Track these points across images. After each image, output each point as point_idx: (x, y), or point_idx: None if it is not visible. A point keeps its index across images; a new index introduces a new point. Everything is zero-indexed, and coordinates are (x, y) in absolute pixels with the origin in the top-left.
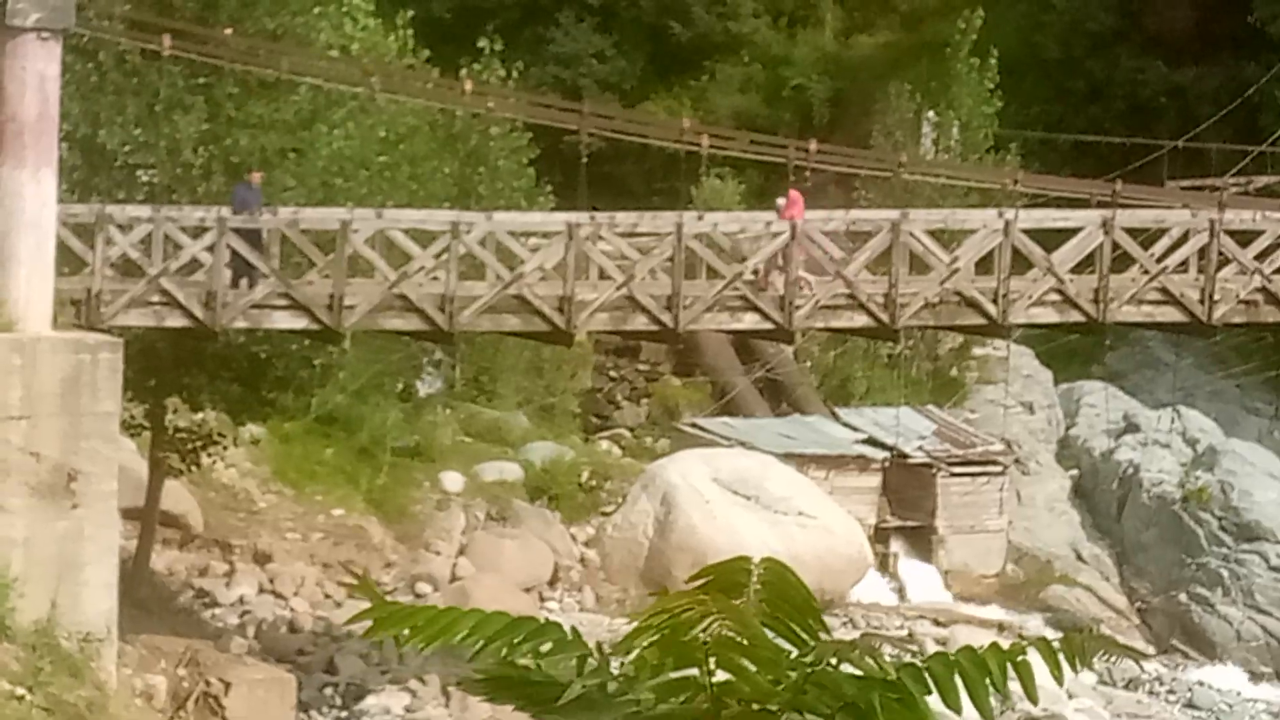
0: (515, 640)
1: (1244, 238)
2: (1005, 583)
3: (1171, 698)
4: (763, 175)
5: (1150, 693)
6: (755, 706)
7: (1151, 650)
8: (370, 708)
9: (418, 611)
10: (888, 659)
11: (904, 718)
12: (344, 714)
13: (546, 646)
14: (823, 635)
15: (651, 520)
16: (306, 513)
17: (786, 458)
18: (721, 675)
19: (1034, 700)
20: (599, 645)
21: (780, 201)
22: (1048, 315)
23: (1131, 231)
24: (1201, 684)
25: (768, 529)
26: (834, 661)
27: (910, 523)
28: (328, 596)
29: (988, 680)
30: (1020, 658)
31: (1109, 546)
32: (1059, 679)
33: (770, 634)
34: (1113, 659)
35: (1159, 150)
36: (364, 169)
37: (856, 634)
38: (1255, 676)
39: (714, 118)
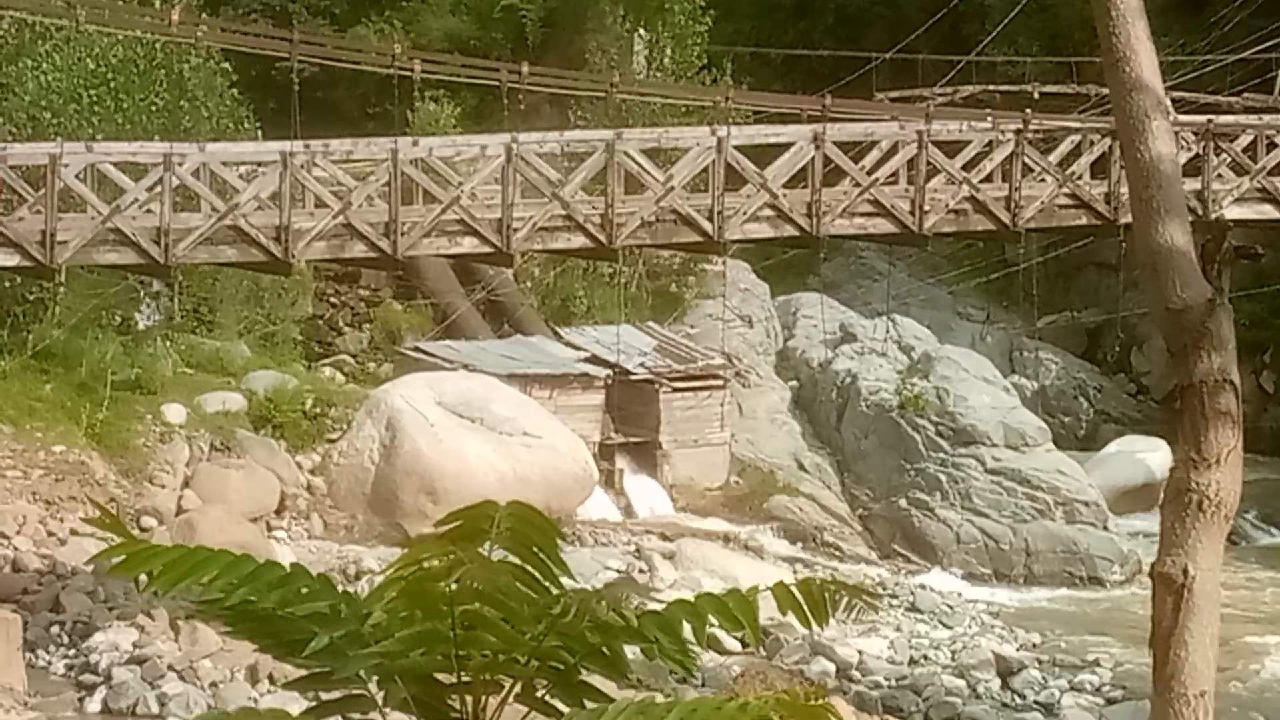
0: (262, 588)
1: (951, 148)
2: (729, 494)
3: (895, 602)
4: (478, 97)
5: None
6: (500, 657)
7: (874, 556)
8: (98, 644)
9: (164, 551)
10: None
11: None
12: (71, 652)
13: (298, 593)
14: (564, 580)
15: (377, 445)
16: (26, 450)
17: (510, 379)
18: (467, 627)
19: (756, 643)
20: (347, 595)
21: None
22: (763, 230)
23: (842, 145)
24: (924, 587)
25: (493, 450)
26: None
27: (634, 439)
28: (51, 534)
29: (715, 621)
30: (751, 600)
31: (830, 455)
32: (806, 624)
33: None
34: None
35: (867, 63)
36: (73, 103)
37: (586, 552)
38: (974, 578)
39: (426, 40)
